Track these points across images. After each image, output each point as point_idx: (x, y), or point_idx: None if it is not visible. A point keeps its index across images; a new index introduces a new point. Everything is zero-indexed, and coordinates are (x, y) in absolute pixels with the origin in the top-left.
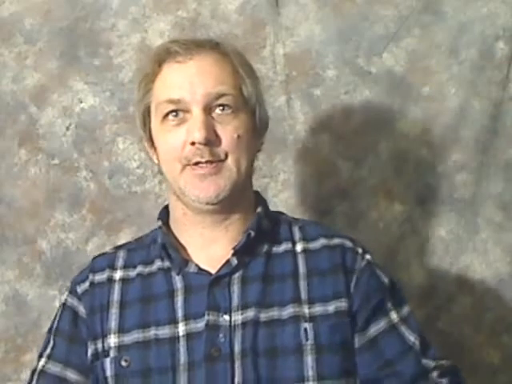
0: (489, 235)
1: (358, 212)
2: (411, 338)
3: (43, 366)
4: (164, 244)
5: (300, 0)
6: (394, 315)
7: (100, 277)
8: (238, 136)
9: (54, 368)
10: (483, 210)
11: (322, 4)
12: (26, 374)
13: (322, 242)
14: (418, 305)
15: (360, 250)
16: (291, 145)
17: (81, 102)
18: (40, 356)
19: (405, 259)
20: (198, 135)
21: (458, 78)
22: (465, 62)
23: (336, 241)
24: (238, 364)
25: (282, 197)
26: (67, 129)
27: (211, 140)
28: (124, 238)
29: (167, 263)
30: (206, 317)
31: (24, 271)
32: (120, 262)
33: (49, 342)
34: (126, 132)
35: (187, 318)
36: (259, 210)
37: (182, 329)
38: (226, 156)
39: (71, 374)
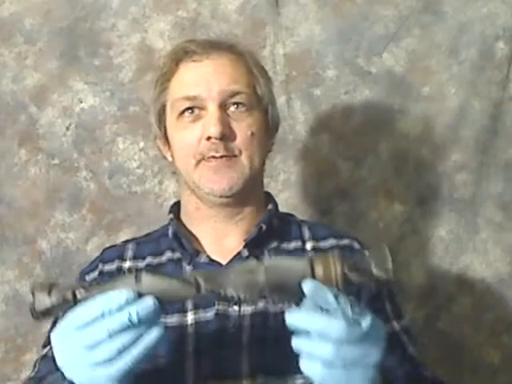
0: (489, 235)
1: (357, 212)
2: (411, 348)
3: (46, 352)
4: (176, 234)
5: (300, 0)
6: (394, 323)
7: (109, 267)
8: (252, 133)
9: None
10: (483, 210)
11: (322, 4)
12: (25, 374)
13: (331, 241)
14: (418, 305)
15: (367, 253)
16: (291, 145)
17: (81, 102)
18: (44, 345)
19: (405, 259)
20: (214, 130)
21: (458, 78)
22: (465, 62)
23: (345, 241)
24: (245, 352)
25: (282, 197)
26: (67, 129)
27: (226, 135)
28: (124, 237)
29: (177, 254)
30: (216, 306)
31: (24, 271)
32: (129, 254)
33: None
34: (126, 132)
35: (196, 307)
36: (270, 207)
37: (190, 317)
38: (240, 152)
39: None
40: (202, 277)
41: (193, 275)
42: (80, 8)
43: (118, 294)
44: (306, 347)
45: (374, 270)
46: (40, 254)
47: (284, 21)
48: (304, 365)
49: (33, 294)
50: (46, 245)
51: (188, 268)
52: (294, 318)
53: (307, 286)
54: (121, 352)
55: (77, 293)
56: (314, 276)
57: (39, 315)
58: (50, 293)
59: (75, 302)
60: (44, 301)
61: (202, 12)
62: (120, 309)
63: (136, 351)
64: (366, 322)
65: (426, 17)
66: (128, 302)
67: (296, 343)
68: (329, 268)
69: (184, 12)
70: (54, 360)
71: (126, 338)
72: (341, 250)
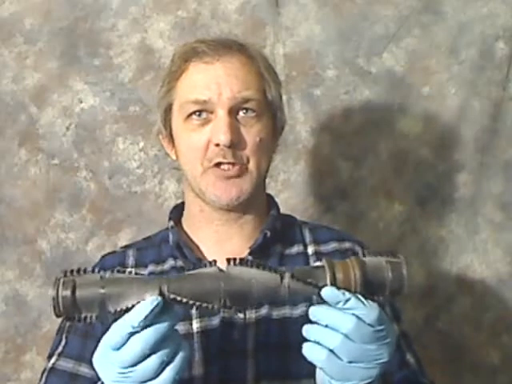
0: (489, 235)
1: (358, 212)
2: (408, 353)
3: (53, 364)
4: (178, 243)
5: (300, 0)
6: (395, 326)
7: None
8: (260, 140)
9: (66, 364)
10: (483, 210)
11: (322, 4)
12: (25, 374)
13: (333, 245)
14: (417, 305)
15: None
16: (291, 145)
17: (81, 102)
18: (50, 356)
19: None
20: (224, 137)
21: (458, 78)
22: (465, 62)
23: (347, 245)
24: (251, 359)
25: (282, 197)
26: (67, 129)
27: (235, 142)
28: (124, 237)
29: (180, 262)
30: (222, 314)
31: (24, 271)
32: (131, 261)
33: (60, 341)
34: (126, 132)
35: (202, 315)
36: (273, 211)
37: (196, 326)
38: (248, 160)
39: (85, 369)
40: (228, 298)
41: (220, 297)
42: (80, 8)
43: (144, 306)
44: (316, 334)
45: (390, 289)
46: (40, 254)
47: (284, 21)
48: (308, 349)
49: (56, 295)
50: (45, 245)
51: None
52: (312, 311)
53: (325, 293)
54: (163, 365)
55: (106, 304)
56: (335, 280)
57: (65, 319)
58: (74, 299)
59: (103, 313)
60: (70, 308)
61: (201, 12)
62: (150, 320)
63: (177, 362)
64: (378, 324)
65: (425, 17)
66: (154, 312)
67: (307, 329)
68: (348, 274)
69: (184, 12)
70: (64, 374)
71: (165, 350)
72: (343, 254)
